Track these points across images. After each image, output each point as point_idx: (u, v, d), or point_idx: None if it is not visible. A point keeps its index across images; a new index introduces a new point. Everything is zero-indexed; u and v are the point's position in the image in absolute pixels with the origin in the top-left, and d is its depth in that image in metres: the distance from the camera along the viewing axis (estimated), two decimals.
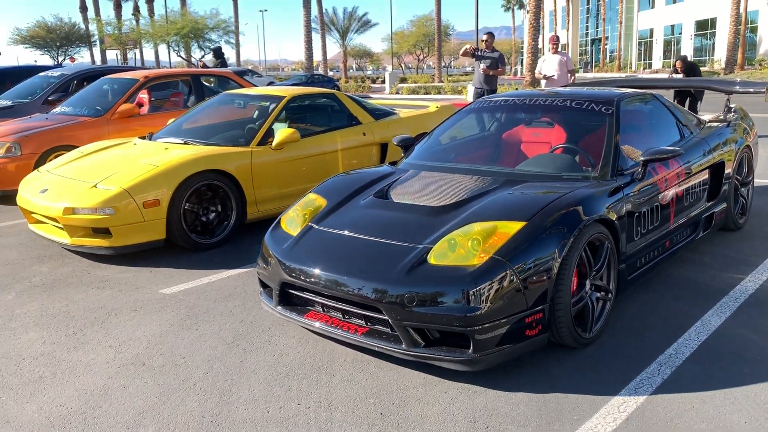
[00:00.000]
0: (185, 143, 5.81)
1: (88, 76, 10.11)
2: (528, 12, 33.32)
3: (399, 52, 72.56)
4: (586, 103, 4.36)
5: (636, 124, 4.47)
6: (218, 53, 15.29)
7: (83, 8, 58.23)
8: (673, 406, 2.79)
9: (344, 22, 64.31)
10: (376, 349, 3.12)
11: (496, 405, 2.85)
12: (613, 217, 3.49)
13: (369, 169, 4.51)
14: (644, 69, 55.51)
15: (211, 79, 9.81)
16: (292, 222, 3.76)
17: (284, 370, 3.22)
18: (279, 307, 3.50)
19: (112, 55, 58.07)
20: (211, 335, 3.65)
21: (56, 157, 6.95)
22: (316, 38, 49.69)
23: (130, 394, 3.01)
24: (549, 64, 10.38)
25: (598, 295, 3.45)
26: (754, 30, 44.72)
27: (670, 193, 4.14)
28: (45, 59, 59.51)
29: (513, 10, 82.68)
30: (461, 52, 10.90)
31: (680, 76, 11.13)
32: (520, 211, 3.26)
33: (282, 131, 5.69)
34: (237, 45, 51.08)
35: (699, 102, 10.61)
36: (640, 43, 59.25)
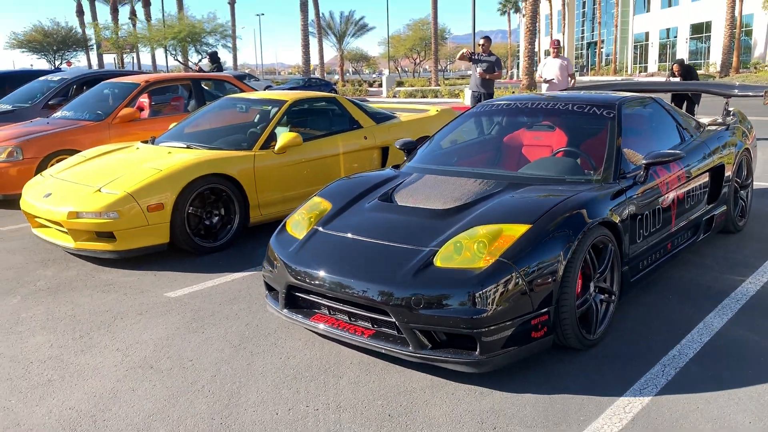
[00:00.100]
0: (188, 147, 5.83)
1: (88, 80, 10.13)
2: (524, 16, 33.44)
3: (396, 55, 72.63)
4: (588, 107, 4.40)
5: (637, 128, 4.51)
6: (214, 58, 15.31)
7: (80, 12, 58.24)
8: (678, 407, 2.82)
9: (341, 26, 64.42)
10: (383, 351, 3.15)
11: (502, 406, 2.88)
12: (617, 219, 3.52)
13: (372, 172, 4.54)
14: (640, 72, 55.70)
15: (210, 83, 9.83)
16: (298, 225, 3.78)
17: (291, 372, 3.24)
18: (285, 310, 3.53)
19: (109, 60, 58.07)
20: (218, 338, 3.68)
21: (58, 161, 6.97)
22: (313, 42, 49.80)
23: (139, 397, 3.03)
24: (550, 68, 10.47)
25: (602, 297, 3.48)
26: (749, 33, 44.92)
27: (672, 195, 4.18)
28: (42, 63, 59.51)
29: (509, 14, 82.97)
30: (458, 56, 10.99)
31: (677, 79, 11.20)
32: (524, 214, 3.29)
33: (284, 135, 5.72)
34: (234, 49, 51.22)
35: (696, 105, 10.67)
36: (635, 47, 59.44)
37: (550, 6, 71.27)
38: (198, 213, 5.24)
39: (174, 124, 6.81)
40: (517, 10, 75.95)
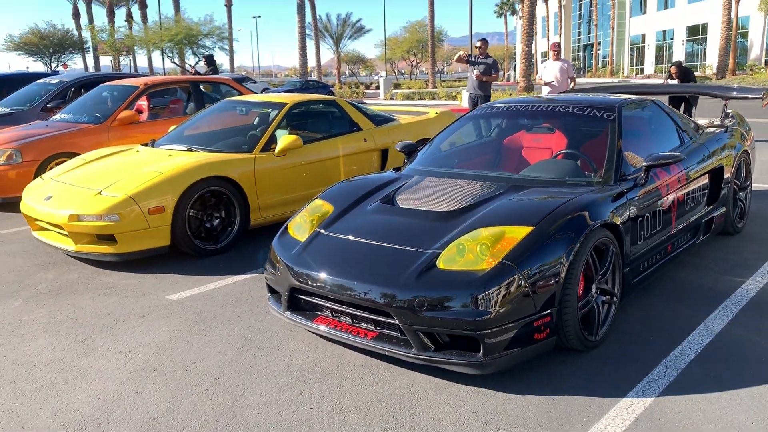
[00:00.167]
0: (188, 150, 5.84)
1: (86, 83, 10.14)
2: (521, 18, 33.52)
3: (392, 57, 72.75)
4: (588, 109, 4.42)
5: (637, 130, 4.53)
6: (210, 60, 15.33)
7: (76, 15, 58.24)
8: (680, 408, 2.84)
9: (338, 28, 64.57)
10: (386, 353, 3.16)
11: (506, 408, 2.89)
12: (618, 221, 3.54)
13: (374, 175, 4.55)
14: (636, 74, 55.87)
15: (208, 86, 9.83)
16: (300, 228, 3.79)
17: (295, 374, 3.25)
18: (288, 312, 3.54)
19: (105, 62, 58.04)
20: (220, 341, 3.68)
21: (57, 164, 6.98)
22: (310, 44, 49.89)
23: (143, 400, 3.04)
24: (550, 71, 10.52)
25: (604, 298, 3.50)
26: (745, 35, 45.11)
27: (672, 197, 4.20)
28: (38, 66, 59.48)
29: (505, 16, 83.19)
30: (455, 58, 11.03)
31: (675, 81, 11.23)
32: (527, 216, 3.30)
33: (285, 138, 5.73)
34: (231, 51, 51.20)
35: (694, 107, 10.70)
36: (632, 49, 59.64)
37: (547, 8, 71.50)
38: (199, 216, 5.25)
39: (173, 126, 6.82)
40: (514, 12, 76.22)
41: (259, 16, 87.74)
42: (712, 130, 5.41)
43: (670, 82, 11.46)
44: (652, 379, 3.09)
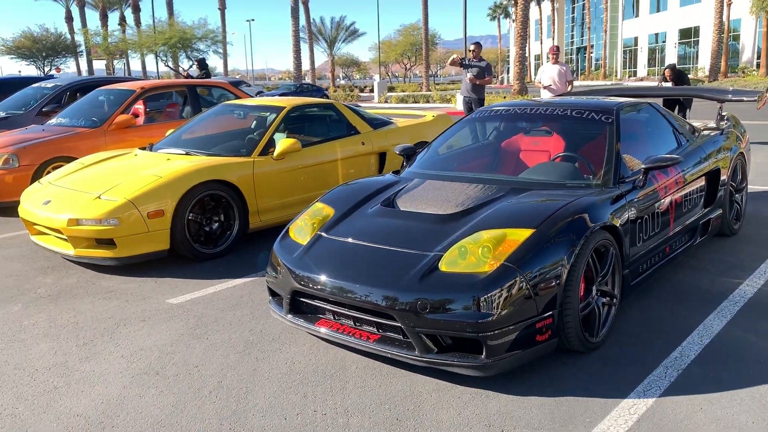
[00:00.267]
0: (187, 154, 5.84)
1: (82, 87, 10.13)
2: (514, 21, 33.63)
3: (386, 61, 72.88)
4: (586, 112, 4.45)
5: (634, 133, 4.56)
6: (202, 64, 15.30)
7: (69, 18, 58.07)
8: (681, 408, 2.86)
9: (332, 31, 64.58)
10: (389, 355, 3.17)
11: (509, 409, 2.91)
12: (617, 223, 3.57)
13: (373, 178, 4.57)
14: (629, 77, 56.13)
15: (205, 90, 9.84)
16: (301, 231, 3.80)
17: (298, 377, 3.26)
18: (289, 316, 3.55)
19: (98, 66, 57.93)
20: (222, 344, 3.69)
21: (54, 168, 6.97)
22: (304, 48, 49.88)
23: (146, 404, 3.04)
24: (548, 74, 10.59)
25: (604, 300, 3.52)
26: (736, 38, 45.43)
27: (670, 199, 4.23)
28: (30, 69, 59.30)
29: (498, 20, 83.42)
30: (449, 61, 11.10)
31: (669, 84, 11.29)
32: (528, 218, 3.33)
33: (283, 141, 5.74)
34: (224, 55, 51.12)
35: (688, 110, 10.77)
36: (625, 51, 59.93)
37: (540, 11, 71.77)
38: (198, 219, 5.25)
39: (171, 130, 6.82)
40: (507, 15, 76.45)
41: (253, 20, 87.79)
42: (707, 132, 5.45)
43: (664, 84, 11.52)
44: (653, 380, 3.12)
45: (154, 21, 42.89)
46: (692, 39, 49.32)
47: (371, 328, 3.27)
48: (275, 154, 5.73)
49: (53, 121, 8.34)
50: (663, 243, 4.21)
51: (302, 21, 47.19)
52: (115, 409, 3.00)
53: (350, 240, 3.55)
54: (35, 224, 5.29)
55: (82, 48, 55.15)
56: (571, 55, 71.16)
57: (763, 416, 2.79)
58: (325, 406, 2.97)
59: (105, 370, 3.40)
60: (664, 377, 3.14)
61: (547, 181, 4.02)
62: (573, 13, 72.30)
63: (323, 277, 3.34)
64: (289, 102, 6.44)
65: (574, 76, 63.33)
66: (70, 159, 6.90)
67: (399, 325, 3.09)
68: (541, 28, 73.22)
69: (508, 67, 71.25)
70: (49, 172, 6.88)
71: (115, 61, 49.63)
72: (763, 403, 2.89)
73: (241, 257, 5.40)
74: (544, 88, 10.55)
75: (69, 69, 62.82)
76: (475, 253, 3.15)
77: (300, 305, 3.54)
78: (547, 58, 11.17)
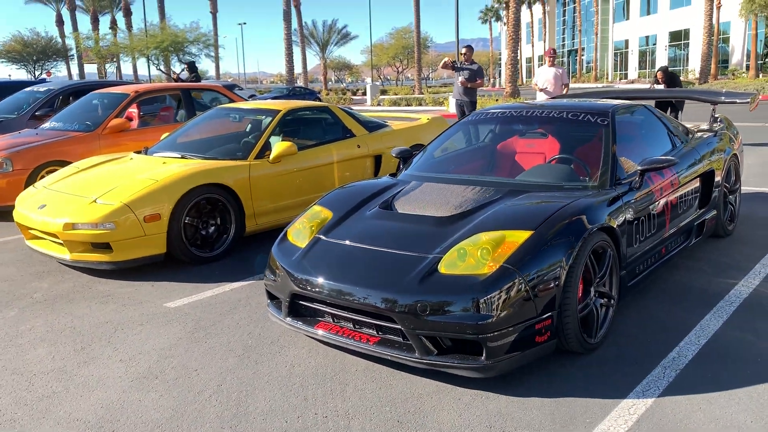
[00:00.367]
0: (182, 157, 5.83)
1: (75, 91, 10.09)
2: (506, 24, 33.77)
3: (378, 64, 72.99)
4: (582, 114, 4.48)
5: (629, 135, 4.59)
6: (192, 67, 15.27)
7: (60, 22, 57.91)
8: (680, 408, 2.88)
9: (324, 34, 64.66)
10: (389, 358, 3.17)
11: (509, 410, 2.92)
12: (614, 224, 3.59)
13: (371, 180, 4.58)
14: (620, 79, 56.39)
15: (199, 93, 9.82)
16: (299, 234, 3.80)
17: (298, 380, 3.26)
18: (288, 318, 3.55)
19: (90, 70, 57.74)
20: (221, 348, 3.68)
21: (48, 173, 6.94)
22: (296, 51, 49.88)
23: (146, 408, 3.03)
24: (544, 77, 10.66)
25: (602, 301, 3.54)
26: (726, 41, 45.72)
27: (665, 201, 4.26)
28: (21, 74, 59.04)
29: (490, 23, 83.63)
30: (440, 64, 11.16)
31: (661, 86, 11.37)
32: (526, 220, 3.34)
33: (279, 144, 5.74)
34: (216, 58, 51.07)
35: (680, 112, 10.84)
36: (615, 54, 60.22)
37: (531, 14, 72.07)
38: (194, 223, 5.24)
39: (166, 134, 6.81)
40: (498, 18, 76.66)
41: (245, 23, 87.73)
42: (700, 134, 5.49)
43: (656, 87, 11.59)
44: (652, 380, 3.14)
45: (146, 25, 42.75)
46: (682, 41, 49.62)
47: (371, 331, 3.27)
48: (271, 157, 5.73)
49: (47, 125, 8.30)
50: (659, 244, 4.24)
51: (294, 24, 47.19)
52: (116, 414, 2.99)
53: (349, 243, 3.56)
54: (30, 228, 5.27)
55: (73, 52, 54.98)
56: (562, 57, 71.41)
57: (761, 415, 2.81)
58: (325, 409, 2.98)
59: (104, 375, 3.39)
60: (663, 377, 3.16)
61: (545, 183, 4.04)
62: (564, 16, 72.64)
63: (322, 280, 3.34)
64: (284, 105, 6.44)
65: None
66: (64, 163, 6.87)
67: (399, 327, 3.10)
68: (533, 32, 73.52)
69: (500, 70, 71.56)
70: (43, 177, 6.85)
71: (107, 65, 49.44)
72: (761, 403, 2.91)
73: (238, 260, 5.39)
74: (541, 90, 10.62)
75: (60, 73, 62.65)
76: (474, 255, 3.16)
77: (299, 308, 3.54)
78: (541, 60, 11.25)
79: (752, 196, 7.10)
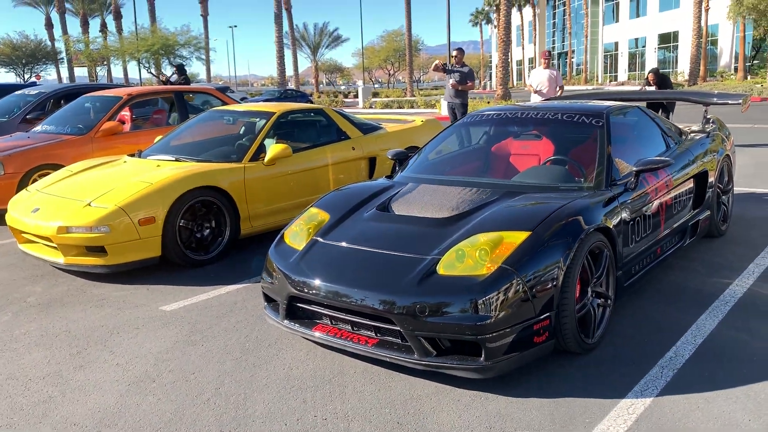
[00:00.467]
0: (177, 160, 5.81)
1: (66, 94, 10.05)
2: (496, 27, 33.88)
3: (370, 66, 73.06)
4: (577, 116, 4.49)
5: (624, 136, 4.61)
6: (182, 70, 15.22)
7: (49, 25, 57.63)
8: (679, 407, 2.89)
9: (315, 37, 64.62)
10: (388, 359, 3.17)
11: (509, 411, 2.92)
12: (610, 225, 3.60)
13: (367, 182, 4.58)
14: (610, 81, 56.69)
15: (191, 96, 9.79)
16: (296, 236, 3.80)
17: (296, 383, 3.25)
18: (286, 321, 3.54)
19: (79, 73, 57.50)
20: (218, 351, 3.67)
21: (40, 176, 6.90)
22: (287, 54, 49.84)
23: (144, 411, 3.02)
24: (538, 78, 10.71)
25: (599, 301, 3.55)
26: (714, 43, 46.07)
27: (660, 201, 4.28)
28: (10, 77, 58.72)
29: (480, 25, 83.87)
30: (432, 67, 11.20)
31: (653, 88, 11.42)
32: (524, 221, 3.35)
33: (274, 147, 5.73)
34: (207, 61, 50.95)
35: (671, 113, 10.90)
36: (605, 56, 60.52)
37: (521, 17, 72.31)
38: (189, 226, 5.22)
39: (160, 137, 6.78)
40: (489, 21, 76.91)
41: (236, 26, 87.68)
42: (693, 135, 5.53)
43: (647, 88, 11.65)
44: (650, 379, 3.15)
45: (136, 28, 42.61)
46: (672, 44, 49.94)
47: (369, 333, 3.27)
48: (266, 159, 5.72)
49: (39, 128, 8.25)
50: (654, 244, 4.26)
51: (285, 27, 47.17)
52: (113, 418, 2.97)
53: (346, 245, 3.55)
54: (23, 232, 5.23)
55: (63, 55, 54.73)
56: (552, 60, 71.74)
57: (758, 414, 2.83)
58: (325, 411, 2.97)
59: (100, 379, 3.37)
60: (661, 377, 3.17)
61: (541, 185, 4.05)
62: (554, 18, 72.92)
63: (320, 282, 3.33)
64: (279, 107, 6.43)
65: None
66: (56, 166, 6.82)
67: (398, 328, 3.09)
68: (523, 34, 73.77)
69: (491, 73, 71.80)
70: (35, 180, 6.80)
71: (98, 68, 49.23)
72: (758, 401, 2.93)
73: (233, 263, 5.37)
74: (535, 92, 10.67)
75: (50, 76, 62.34)
76: (472, 256, 3.17)
77: (297, 310, 3.53)
78: (532, 62, 11.32)
79: (745, 197, 7.15)
